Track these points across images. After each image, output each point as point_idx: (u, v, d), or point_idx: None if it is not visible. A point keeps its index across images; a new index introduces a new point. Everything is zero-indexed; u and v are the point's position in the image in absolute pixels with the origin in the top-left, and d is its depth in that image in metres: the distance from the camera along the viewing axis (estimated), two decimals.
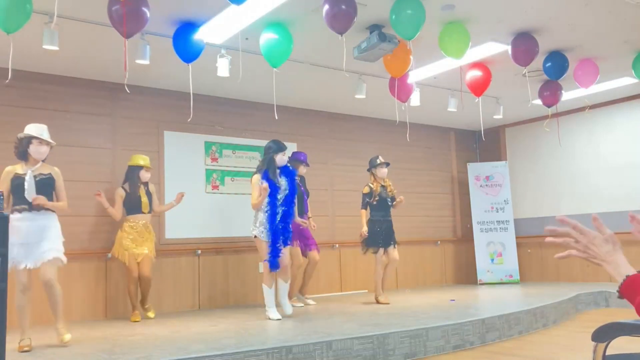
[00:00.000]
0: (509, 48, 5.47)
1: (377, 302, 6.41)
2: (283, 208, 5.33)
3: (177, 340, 4.24)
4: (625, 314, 1.40)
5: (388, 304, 6.27)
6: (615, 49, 5.90)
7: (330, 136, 8.04)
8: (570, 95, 7.07)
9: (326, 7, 4.32)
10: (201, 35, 4.83)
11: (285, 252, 5.43)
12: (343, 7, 4.30)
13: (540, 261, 8.83)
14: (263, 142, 7.33)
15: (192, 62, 4.94)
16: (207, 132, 6.92)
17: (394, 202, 6.52)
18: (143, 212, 5.76)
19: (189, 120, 5.70)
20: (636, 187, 7.77)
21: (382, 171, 6.51)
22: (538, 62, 5.77)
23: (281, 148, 5.41)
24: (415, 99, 6.55)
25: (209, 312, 6.13)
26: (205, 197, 6.81)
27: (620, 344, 1.62)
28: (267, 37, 4.85)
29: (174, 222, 6.50)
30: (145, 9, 4.17)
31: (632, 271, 1.31)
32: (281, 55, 4.91)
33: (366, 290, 7.88)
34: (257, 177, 5.34)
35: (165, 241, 6.42)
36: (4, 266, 2.90)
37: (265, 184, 5.17)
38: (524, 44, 5.34)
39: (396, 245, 6.51)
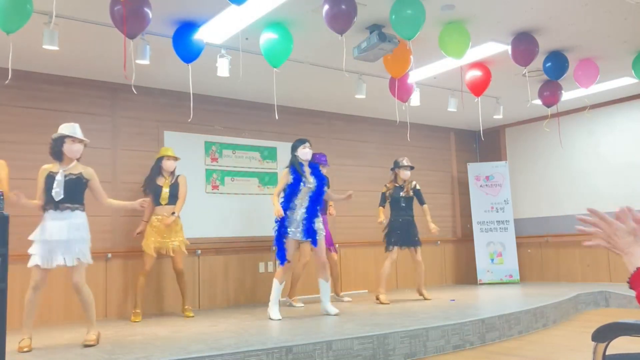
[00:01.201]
0: (509, 48, 5.47)
1: (377, 298, 6.45)
2: (307, 205, 5.42)
3: (177, 340, 4.24)
4: (625, 314, 1.40)
5: (387, 303, 6.29)
6: (615, 49, 5.90)
7: (330, 136, 8.04)
8: (570, 95, 7.07)
9: (326, 7, 4.32)
10: (201, 35, 4.83)
11: (321, 250, 5.48)
12: (343, 7, 4.30)
13: (540, 261, 8.83)
14: (263, 142, 7.38)
15: (192, 62, 4.94)
16: (207, 132, 6.92)
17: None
18: (161, 204, 5.77)
19: (189, 120, 5.71)
20: (636, 187, 7.77)
21: (405, 173, 6.74)
22: (538, 62, 5.77)
23: (301, 141, 5.59)
24: (415, 99, 6.55)
25: (209, 312, 6.13)
26: (205, 197, 6.81)
27: (620, 344, 1.62)
28: (267, 37, 4.85)
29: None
30: (147, 9, 4.16)
31: None
32: (281, 55, 4.91)
33: (366, 290, 7.88)
34: (285, 171, 5.58)
35: None
36: (4, 266, 2.90)
37: (281, 212, 5.31)
38: (524, 44, 5.34)
39: (417, 248, 6.65)
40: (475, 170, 9.14)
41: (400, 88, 5.77)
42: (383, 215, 6.63)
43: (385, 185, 6.83)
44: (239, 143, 7.17)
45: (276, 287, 5.37)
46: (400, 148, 8.50)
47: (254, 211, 7.14)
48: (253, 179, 7.23)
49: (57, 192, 4.20)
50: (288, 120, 7.51)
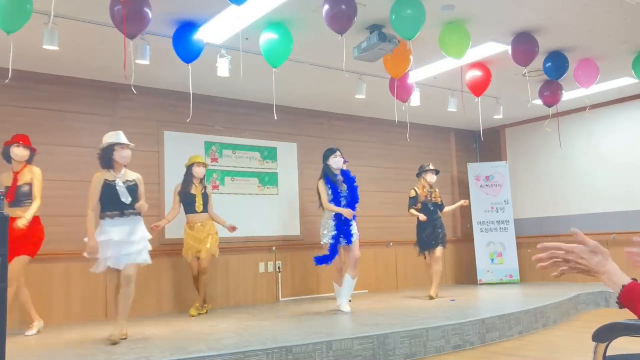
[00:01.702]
0: (509, 48, 5.47)
1: (430, 297, 6.78)
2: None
3: (177, 340, 4.24)
4: (625, 314, 1.40)
5: (433, 298, 6.70)
6: (615, 49, 5.90)
7: (330, 136, 8.04)
8: (570, 95, 7.07)
9: (326, 7, 4.32)
10: (201, 35, 4.83)
11: (355, 247, 5.69)
12: (343, 7, 4.30)
13: None
14: (263, 142, 7.38)
15: (192, 62, 4.94)
16: (207, 132, 6.92)
17: (443, 209, 7.07)
18: (197, 212, 5.97)
19: (188, 120, 5.71)
20: (636, 187, 7.77)
21: (431, 177, 6.96)
22: (538, 62, 5.77)
23: (332, 150, 5.87)
24: (415, 99, 6.55)
25: (209, 312, 6.13)
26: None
27: (621, 344, 1.62)
28: (267, 37, 4.85)
29: (173, 222, 6.48)
30: (147, 10, 4.16)
31: (627, 280, 1.32)
32: (281, 55, 4.91)
33: (366, 290, 7.89)
34: (320, 182, 5.79)
35: (165, 241, 6.42)
36: (4, 266, 2.90)
37: (350, 213, 5.61)
38: (524, 44, 5.34)
39: (439, 246, 6.90)
40: (475, 170, 9.14)
41: (400, 88, 5.77)
42: (418, 213, 6.85)
43: (414, 189, 6.99)
44: (239, 143, 7.17)
45: (337, 289, 5.76)
46: (400, 148, 8.51)
47: (254, 211, 7.14)
48: (253, 179, 7.23)
49: (126, 199, 4.45)
50: (288, 120, 7.51)
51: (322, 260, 5.64)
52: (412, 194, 6.97)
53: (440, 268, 6.96)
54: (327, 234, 5.66)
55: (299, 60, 5.69)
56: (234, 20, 4.62)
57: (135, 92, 5.07)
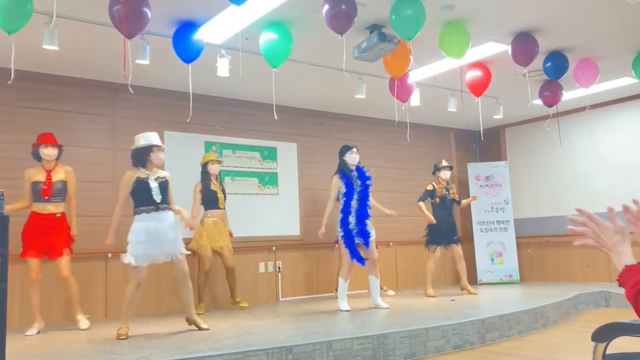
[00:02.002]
0: (509, 48, 5.47)
1: (426, 295, 6.93)
2: (357, 208, 5.73)
3: (177, 340, 4.24)
4: (625, 314, 1.40)
5: (434, 296, 6.84)
6: (615, 49, 5.90)
7: (330, 136, 8.04)
8: (570, 95, 7.07)
9: (326, 7, 4.32)
10: (201, 35, 4.83)
11: (373, 247, 5.83)
12: (343, 7, 4.30)
13: (540, 261, 8.83)
14: (263, 142, 7.38)
15: (192, 62, 4.94)
16: (207, 132, 6.92)
17: (461, 204, 7.29)
18: (220, 208, 6.18)
19: (188, 120, 5.71)
20: (636, 187, 7.77)
21: (446, 173, 7.09)
22: (538, 62, 5.77)
23: (349, 147, 5.92)
24: (415, 99, 6.55)
25: (209, 312, 6.13)
26: None
27: (620, 344, 1.62)
28: (267, 37, 4.85)
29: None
30: (146, 9, 4.16)
31: (632, 261, 1.40)
32: (281, 55, 4.91)
33: (366, 290, 7.88)
34: (335, 178, 5.88)
35: None
36: (4, 266, 2.90)
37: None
38: (524, 44, 5.34)
39: (459, 243, 7.11)
40: (475, 170, 9.13)
41: (400, 88, 5.77)
42: (429, 214, 6.96)
43: (433, 184, 7.11)
44: (239, 143, 7.17)
45: (342, 284, 5.81)
46: (400, 148, 8.51)
47: (254, 211, 7.14)
48: (253, 179, 7.23)
49: (158, 195, 4.59)
50: (288, 120, 7.51)
51: (358, 258, 5.71)
52: (430, 187, 7.10)
53: (464, 263, 7.19)
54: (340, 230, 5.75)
55: (299, 60, 5.69)
56: (234, 20, 4.62)
57: (133, 92, 5.07)
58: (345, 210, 5.73)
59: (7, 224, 2.95)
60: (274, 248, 7.21)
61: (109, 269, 6.04)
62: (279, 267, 7.26)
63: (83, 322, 5.12)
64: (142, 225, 4.50)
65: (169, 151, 6.61)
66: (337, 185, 5.84)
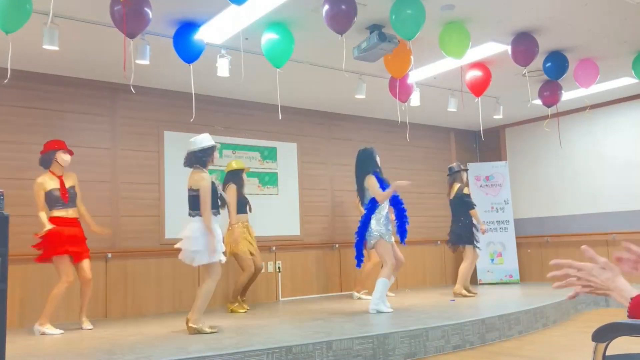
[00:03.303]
0: (509, 48, 5.47)
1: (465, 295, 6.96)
2: (387, 209, 5.75)
3: (177, 340, 4.24)
4: (625, 314, 1.40)
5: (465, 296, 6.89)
6: (615, 49, 5.90)
7: (330, 136, 8.04)
8: (570, 95, 7.07)
9: (326, 7, 4.32)
10: (201, 35, 4.83)
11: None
12: (343, 7, 4.30)
13: (540, 261, 8.83)
14: (263, 142, 7.38)
15: (192, 62, 4.94)
16: (207, 132, 6.89)
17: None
18: (249, 213, 6.29)
19: (192, 120, 5.71)
20: (636, 187, 7.77)
21: (465, 175, 7.23)
22: (538, 62, 5.77)
23: (373, 149, 5.97)
24: (415, 99, 6.55)
25: (208, 312, 6.12)
26: None
27: (620, 344, 1.62)
28: (269, 37, 4.85)
29: (174, 222, 6.50)
30: (147, 9, 4.16)
31: (634, 292, 1.34)
32: (283, 55, 4.91)
33: (366, 290, 7.87)
34: (372, 178, 5.69)
35: (165, 241, 6.42)
36: (4, 266, 2.90)
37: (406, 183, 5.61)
38: (524, 44, 5.34)
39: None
40: (475, 170, 9.13)
41: (400, 88, 5.77)
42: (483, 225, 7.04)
43: (467, 187, 7.26)
44: (239, 143, 7.16)
45: (386, 285, 5.60)
46: (400, 148, 8.51)
47: (254, 211, 7.14)
48: (253, 179, 7.23)
49: (223, 198, 4.81)
50: (288, 120, 7.50)
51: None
52: (467, 191, 7.15)
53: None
54: (385, 231, 5.60)
55: (299, 60, 5.69)
56: (234, 20, 4.62)
57: (134, 92, 5.07)
58: (381, 212, 5.64)
59: (7, 224, 2.95)
60: (274, 248, 7.21)
61: (109, 269, 6.04)
62: (279, 267, 7.26)
63: (87, 323, 5.13)
64: (215, 227, 4.58)
65: (168, 151, 6.63)
66: (377, 183, 5.66)
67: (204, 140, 4.74)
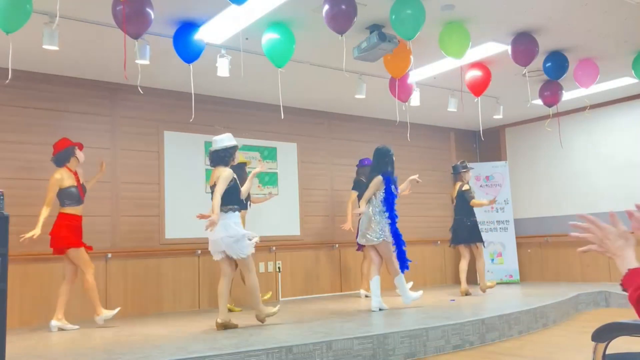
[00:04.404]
0: (509, 48, 5.47)
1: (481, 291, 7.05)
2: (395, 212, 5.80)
3: (177, 340, 4.24)
4: (625, 314, 1.40)
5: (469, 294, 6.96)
6: (615, 49, 5.90)
7: (330, 136, 8.04)
8: (570, 95, 7.08)
9: (326, 7, 4.32)
10: (201, 35, 4.83)
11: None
12: (343, 7, 4.30)
13: (540, 261, 8.83)
14: (263, 142, 7.38)
15: (192, 62, 4.94)
16: (207, 132, 6.91)
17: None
18: (247, 208, 6.28)
19: (191, 120, 5.71)
20: (636, 187, 7.77)
21: (467, 175, 7.28)
22: (538, 62, 5.77)
23: (389, 151, 5.86)
24: (415, 99, 6.55)
25: (209, 312, 6.13)
26: (205, 197, 6.78)
27: (620, 344, 1.62)
28: (270, 37, 4.85)
29: (174, 222, 6.51)
30: (149, 10, 4.16)
31: (635, 265, 1.40)
32: (285, 55, 4.91)
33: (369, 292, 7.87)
34: (380, 179, 5.67)
35: (165, 241, 6.42)
36: (4, 266, 2.90)
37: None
38: (524, 44, 5.34)
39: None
40: (475, 170, 9.11)
41: (400, 88, 5.77)
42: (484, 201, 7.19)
43: (467, 184, 7.24)
44: (239, 143, 7.15)
45: (403, 277, 5.77)
46: (400, 148, 8.48)
47: (254, 211, 7.14)
48: (253, 179, 7.21)
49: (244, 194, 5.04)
50: (288, 120, 7.49)
51: (404, 266, 5.77)
52: (467, 187, 7.15)
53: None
54: (385, 232, 5.62)
55: (299, 60, 5.69)
56: (234, 20, 4.62)
57: (135, 92, 5.07)
58: (393, 214, 5.69)
59: (7, 224, 2.95)
60: (274, 248, 7.21)
61: (109, 269, 6.04)
62: (279, 267, 7.26)
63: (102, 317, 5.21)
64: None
65: (168, 151, 6.63)
66: (379, 186, 5.67)
67: (227, 139, 4.88)
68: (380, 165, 5.73)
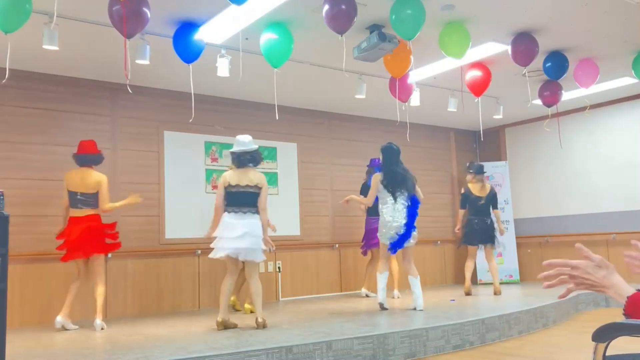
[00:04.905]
0: (509, 48, 5.46)
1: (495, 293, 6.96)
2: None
3: (177, 340, 4.24)
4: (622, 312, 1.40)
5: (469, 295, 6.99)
6: (615, 49, 5.90)
7: (330, 136, 8.04)
8: (570, 95, 7.08)
9: (326, 7, 4.32)
10: (201, 35, 4.83)
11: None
12: (343, 7, 4.30)
13: (540, 261, 8.81)
14: (263, 142, 7.36)
15: (192, 62, 4.94)
16: (207, 132, 6.92)
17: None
18: None
19: (190, 120, 5.71)
20: (636, 187, 7.77)
21: (469, 176, 7.31)
22: (538, 62, 5.77)
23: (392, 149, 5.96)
24: (415, 99, 6.54)
25: (209, 312, 6.13)
26: (205, 197, 6.80)
27: (620, 344, 1.62)
28: (268, 37, 4.85)
29: (174, 222, 6.51)
30: (145, 9, 4.16)
31: (631, 291, 1.33)
32: (282, 56, 4.91)
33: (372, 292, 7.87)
34: (378, 176, 5.83)
35: (165, 241, 6.42)
36: (4, 266, 2.90)
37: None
38: (524, 44, 5.34)
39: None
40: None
41: (400, 88, 5.77)
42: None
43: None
44: None
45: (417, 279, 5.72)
46: (400, 148, 8.49)
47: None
48: None
49: None
50: (288, 120, 7.50)
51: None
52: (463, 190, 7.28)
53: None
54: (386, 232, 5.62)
55: (299, 60, 5.69)
56: (234, 20, 4.62)
57: (132, 92, 5.07)
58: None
59: (7, 224, 2.95)
60: (274, 248, 7.20)
61: (109, 269, 6.03)
62: (279, 267, 7.26)
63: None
64: None
65: (168, 151, 6.63)
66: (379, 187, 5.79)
67: (251, 141, 4.99)
68: (384, 162, 5.92)
